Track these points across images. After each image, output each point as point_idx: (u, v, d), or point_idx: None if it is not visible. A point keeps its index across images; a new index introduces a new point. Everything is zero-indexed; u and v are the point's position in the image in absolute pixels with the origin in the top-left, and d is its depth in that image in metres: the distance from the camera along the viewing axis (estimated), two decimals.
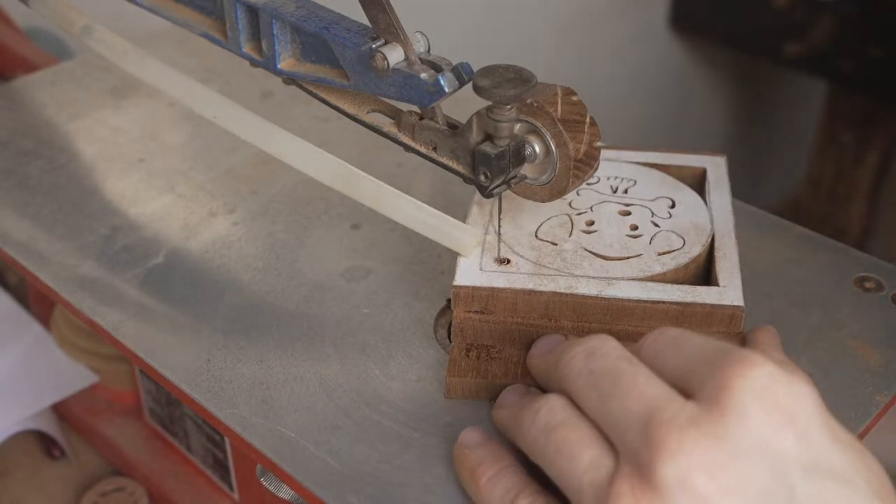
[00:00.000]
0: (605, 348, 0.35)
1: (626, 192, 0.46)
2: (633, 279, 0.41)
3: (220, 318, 0.46)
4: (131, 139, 0.59)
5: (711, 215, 0.44)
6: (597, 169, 0.41)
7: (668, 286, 0.41)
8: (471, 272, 0.42)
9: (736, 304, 0.40)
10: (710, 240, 0.43)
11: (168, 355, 0.44)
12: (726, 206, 0.45)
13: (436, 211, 0.43)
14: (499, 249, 0.43)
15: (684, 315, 0.40)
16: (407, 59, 0.40)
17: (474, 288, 0.41)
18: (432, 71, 0.40)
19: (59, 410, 0.62)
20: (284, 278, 0.48)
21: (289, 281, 0.48)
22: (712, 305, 0.40)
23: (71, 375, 0.61)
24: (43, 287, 0.49)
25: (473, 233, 0.43)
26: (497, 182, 0.40)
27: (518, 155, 0.40)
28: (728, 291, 0.40)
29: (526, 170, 0.41)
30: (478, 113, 0.40)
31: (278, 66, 0.44)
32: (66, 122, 0.60)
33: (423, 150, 0.43)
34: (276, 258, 0.50)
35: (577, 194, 0.46)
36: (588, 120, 0.40)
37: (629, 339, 0.39)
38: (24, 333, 0.63)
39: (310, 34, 0.43)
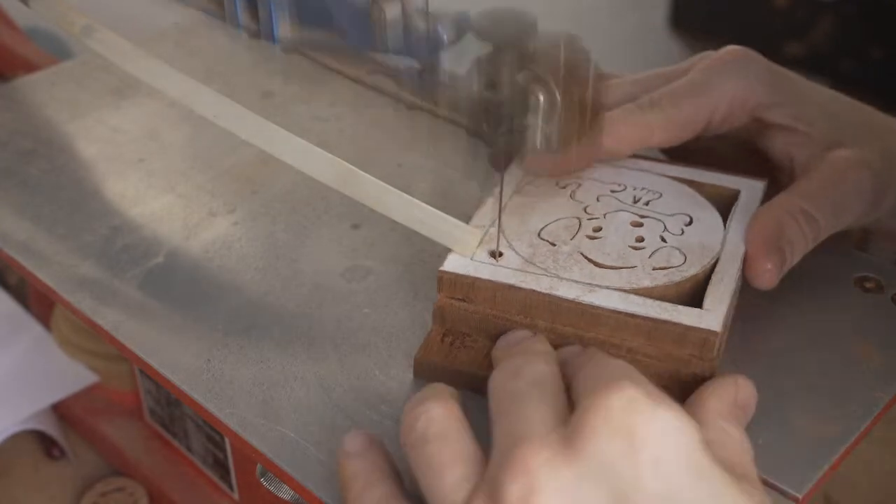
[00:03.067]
0: (527, 369, 0.35)
1: (647, 204, 0.45)
2: (617, 289, 0.40)
3: (220, 318, 0.46)
4: (131, 139, 0.59)
5: (726, 238, 0.43)
6: (604, 116, 0.41)
7: (650, 301, 0.40)
8: (459, 260, 0.42)
9: (711, 328, 0.39)
10: (712, 262, 0.42)
11: (168, 355, 0.44)
12: (744, 232, 0.44)
13: (436, 211, 0.43)
14: (498, 243, 0.43)
15: (656, 332, 0.39)
16: (404, 12, 0.40)
17: (457, 275, 0.41)
18: (431, 23, 0.39)
19: (59, 410, 0.62)
20: (284, 278, 0.48)
21: (289, 281, 0.48)
22: (686, 326, 0.39)
23: (71, 375, 0.61)
24: (43, 287, 0.49)
25: (474, 232, 0.43)
26: (499, 131, 0.40)
27: (521, 102, 0.39)
28: (708, 315, 0.39)
29: (530, 120, 0.40)
30: (478, 59, 0.39)
31: (276, 33, 0.43)
32: (66, 122, 0.60)
33: (425, 105, 0.42)
34: (276, 258, 0.50)
35: (598, 200, 0.45)
36: (593, 67, 0.40)
37: (601, 347, 0.39)
38: (24, 333, 0.63)
39: (309, 5, 0.42)
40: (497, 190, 0.46)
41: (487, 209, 0.45)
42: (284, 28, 0.43)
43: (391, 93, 0.43)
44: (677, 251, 0.42)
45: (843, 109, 0.48)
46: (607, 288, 0.40)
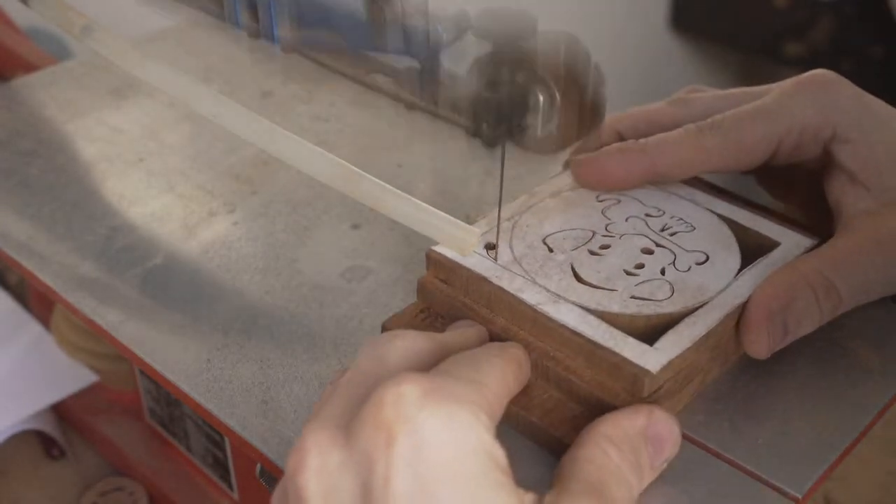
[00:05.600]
0: (387, 348, 0.35)
1: (672, 234, 0.44)
2: (581, 306, 0.40)
3: (220, 318, 0.46)
4: (131, 139, 0.59)
5: (730, 286, 0.41)
6: (603, 117, 0.40)
7: (604, 325, 0.39)
8: None
9: (646, 367, 0.37)
10: (699, 305, 0.40)
11: (168, 355, 0.44)
12: (754, 284, 0.41)
13: (436, 210, 0.43)
14: (497, 237, 0.43)
15: (595, 356, 0.38)
16: (404, 11, 0.39)
17: (443, 256, 0.42)
18: (430, 22, 0.39)
19: (59, 410, 0.62)
20: (284, 278, 0.48)
21: (289, 281, 0.48)
22: (622, 358, 0.37)
23: (71, 375, 0.61)
24: (43, 287, 0.49)
25: (473, 232, 0.43)
26: (498, 131, 0.39)
27: (521, 102, 0.39)
28: (650, 354, 0.37)
29: (530, 119, 0.40)
30: (477, 59, 0.39)
31: (276, 32, 0.43)
32: (66, 122, 0.60)
33: (424, 104, 0.42)
34: (276, 258, 0.50)
35: (626, 220, 0.44)
36: (593, 67, 0.39)
37: (544, 359, 0.39)
38: (24, 333, 0.63)
39: (308, 11, 0.42)
40: (534, 188, 0.45)
41: (515, 205, 0.45)
42: (284, 28, 0.43)
43: (390, 93, 0.43)
44: (668, 286, 0.41)
45: None
46: (573, 303, 0.40)
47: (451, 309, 0.42)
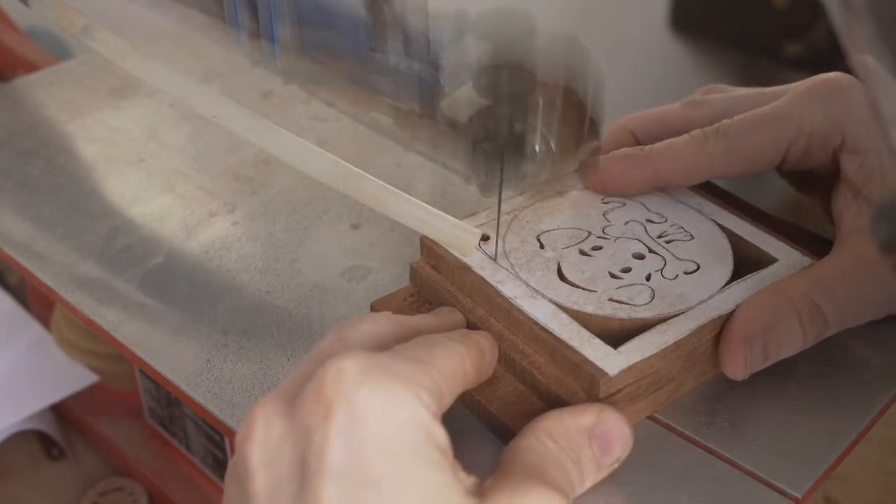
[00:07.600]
0: (350, 330, 0.36)
1: (669, 242, 0.43)
2: (557, 304, 0.40)
3: (220, 318, 0.46)
4: (131, 139, 0.59)
5: (712, 298, 0.40)
6: (596, 165, 0.41)
7: (574, 324, 0.39)
8: None
9: (604, 369, 0.37)
10: (676, 313, 0.40)
11: (168, 355, 0.44)
12: (738, 299, 0.40)
13: (436, 210, 0.43)
14: (497, 233, 0.43)
15: (558, 354, 0.38)
16: (408, 58, 0.40)
17: (435, 243, 0.42)
18: (433, 70, 0.40)
19: (59, 410, 0.62)
20: (284, 278, 0.48)
21: (289, 281, 0.48)
22: (583, 358, 0.37)
23: (71, 375, 0.61)
24: (43, 287, 0.49)
25: (474, 232, 0.43)
26: (496, 180, 0.40)
27: (517, 153, 0.40)
28: (612, 357, 0.37)
29: (526, 168, 0.41)
30: (477, 112, 0.40)
31: (278, 64, 0.44)
32: (66, 122, 0.60)
33: (423, 149, 0.43)
34: (276, 258, 0.50)
35: (625, 224, 0.44)
36: (588, 119, 0.40)
37: (517, 353, 0.39)
38: (24, 333, 0.63)
39: (310, 31, 0.43)
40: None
41: (518, 200, 0.45)
42: (287, 60, 0.44)
43: (390, 134, 0.44)
44: (650, 292, 0.41)
45: None
46: (549, 300, 0.40)
47: (437, 295, 0.42)
